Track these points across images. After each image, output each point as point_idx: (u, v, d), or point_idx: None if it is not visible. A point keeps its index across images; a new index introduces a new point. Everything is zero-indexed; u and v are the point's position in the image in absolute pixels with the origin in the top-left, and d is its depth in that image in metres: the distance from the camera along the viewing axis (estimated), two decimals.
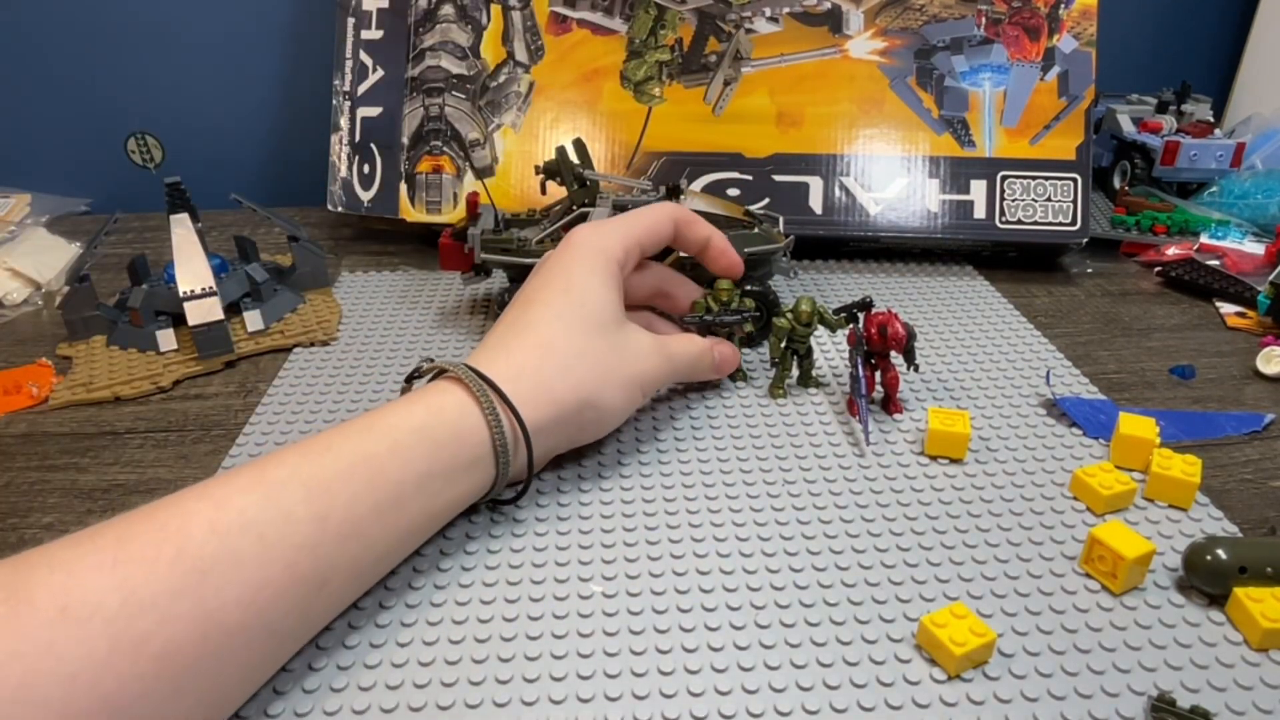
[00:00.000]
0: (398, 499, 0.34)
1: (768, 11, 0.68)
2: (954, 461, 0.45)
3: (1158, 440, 0.43)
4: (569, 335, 0.41)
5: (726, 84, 0.68)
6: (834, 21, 0.68)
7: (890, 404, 0.49)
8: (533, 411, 0.38)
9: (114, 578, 0.26)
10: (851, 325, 0.49)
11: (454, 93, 0.69)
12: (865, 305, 0.49)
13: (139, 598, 0.26)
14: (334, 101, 0.72)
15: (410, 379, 0.42)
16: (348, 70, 0.72)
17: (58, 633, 0.25)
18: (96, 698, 0.25)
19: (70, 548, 0.27)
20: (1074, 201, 0.66)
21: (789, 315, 0.49)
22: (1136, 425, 0.44)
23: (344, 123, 0.72)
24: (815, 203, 0.68)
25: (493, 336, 0.42)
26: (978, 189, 0.67)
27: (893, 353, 0.48)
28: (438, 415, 0.36)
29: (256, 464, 0.32)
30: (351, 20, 0.72)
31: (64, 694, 0.24)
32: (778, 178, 0.68)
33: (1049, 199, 0.67)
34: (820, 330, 0.57)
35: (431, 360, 0.40)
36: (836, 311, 0.49)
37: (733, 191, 0.67)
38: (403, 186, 0.70)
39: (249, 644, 0.29)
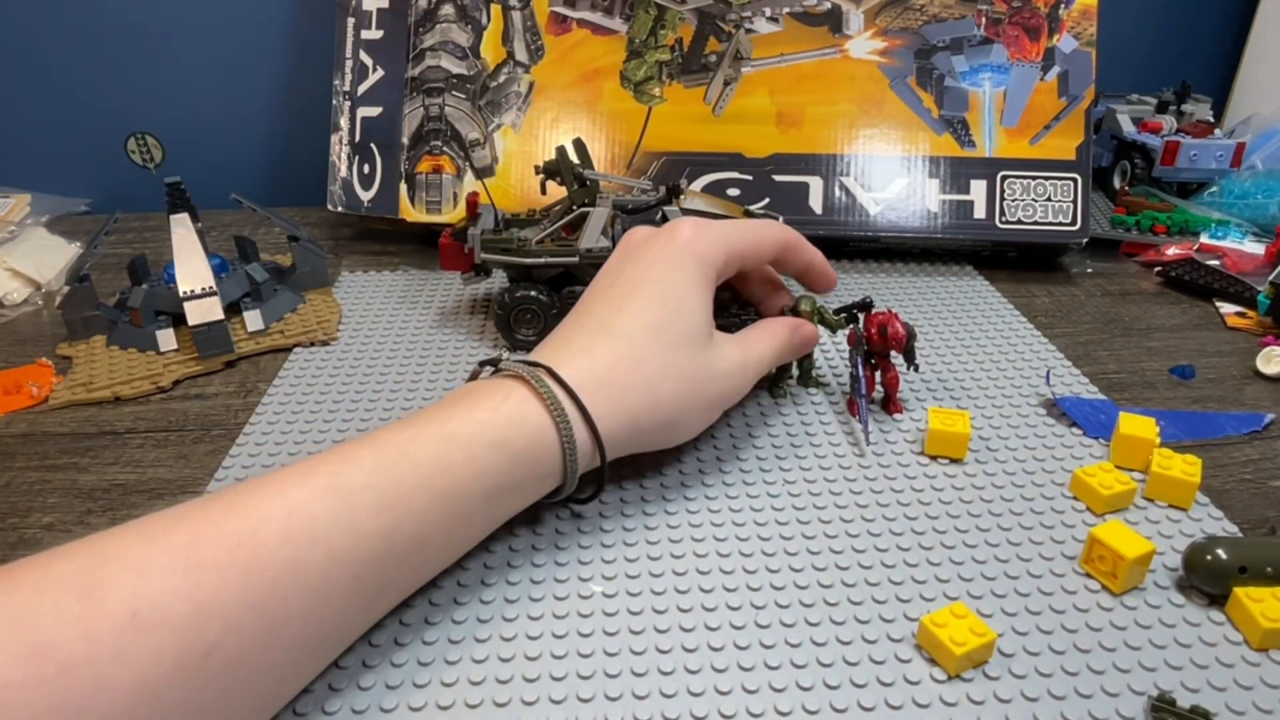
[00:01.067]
0: (466, 513, 0.34)
1: (768, 11, 0.68)
2: (954, 461, 0.45)
3: (1158, 440, 0.43)
4: (661, 353, 0.39)
5: (726, 84, 0.68)
6: (834, 21, 0.68)
7: (890, 404, 0.49)
8: (610, 426, 0.37)
9: (185, 583, 0.26)
10: (851, 325, 0.49)
11: (454, 93, 0.69)
12: (865, 305, 0.49)
13: (209, 608, 0.26)
14: (334, 101, 0.72)
15: (484, 364, 0.40)
16: (348, 70, 0.72)
17: (128, 639, 0.25)
18: (159, 707, 0.25)
19: (143, 542, 0.27)
20: (1074, 201, 0.66)
21: (788, 314, 0.49)
22: (1136, 425, 0.44)
23: (344, 123, 0.72)
24: (815, 203, 0.68)
25: (578, 332, 0.40)
26: (978, 189, 0.67)
27: (893, 353, 0.48)
28: (518, 429, 0.35)
29: (332, 465, 0.31)
30: (351, 20, 0.72)
31: (130, 703, 0.24)
32: (778, 178, 0.68)
33: (1049, 199, 0.67)
34: (821, 330, 0.57)
35: (510, 354, 0.39)
36: (836, 312, 0.49)
37: (733, 191, 0.67)
38: (403, 186, 0.70)
39: (305, 651, 0.29)
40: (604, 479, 0.38)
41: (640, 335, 0.39)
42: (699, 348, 0.40)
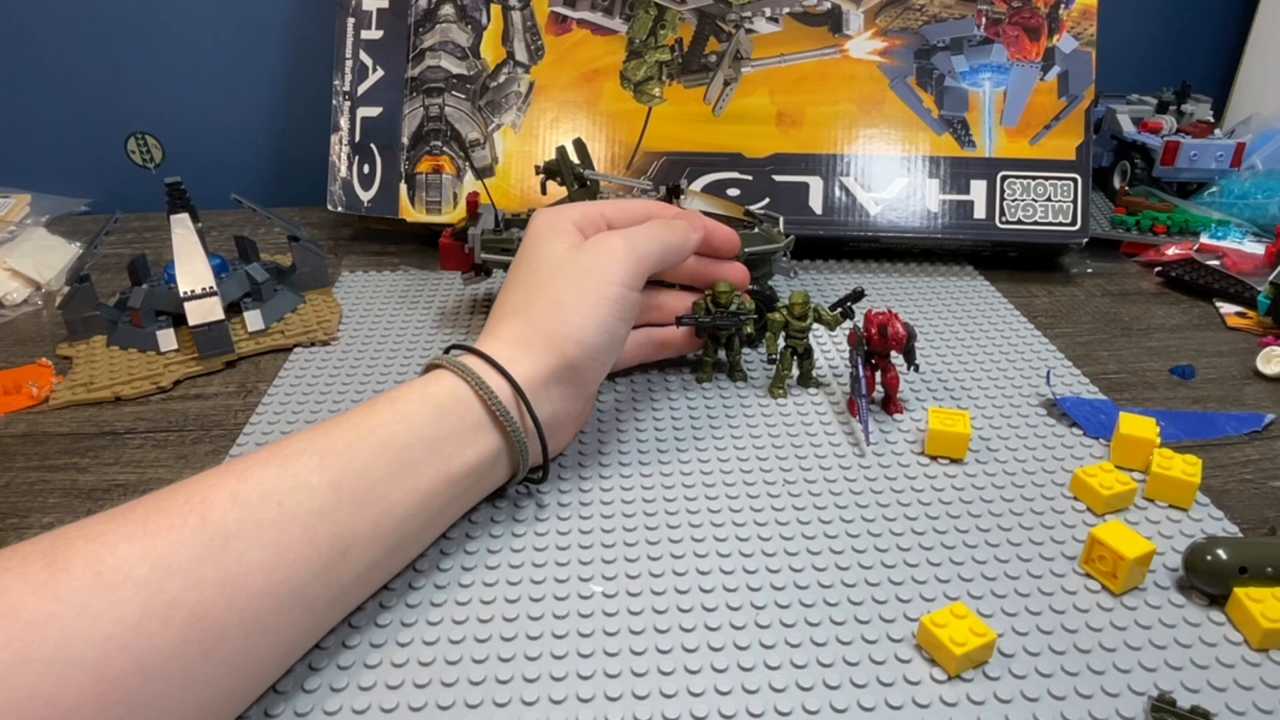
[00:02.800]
0: (409, 463, 0.35)
1: (768, 11, 0.68)
2: (954, 461, 0.45)
3: (1158, 440, 0.43)
4: (522, 286, 0.43)
5: (726, 84, 0.68)
6: (834, 21, 0.68)
7: (890, 404, 0.49)
8: (518, 366, 0.39)
9: (143, 546, 0.28)
10: (852, 326, 0.49)
11: (454, 93, 0.69)
12: (857, 296, 0.49)
13: (167, 564, 0.27)
14: (334, 101, 0.72)
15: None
16: (348, 70, 0.72)
17: (92, 596, 0.26)
18: (130, 659, 0.26)
19: (104, 521, 0.29)
20: (1074, 201, 0.66)
21: (783, 309, 0.49)
22: (1137, 425, 0.44)
23: (344, 123, 0.72)
24: (815, 203, 0.68)
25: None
26: (978, 189, 0.67)
27: (893, 353, 0.48)
28: (435, 384, 0.38)
29: (274, 443, 0.34)
30: (351, 20, 0.72)
31: (99, 655, 0.25)
32: (778, 178, 0.68)
33: (1049, 199, 0.67)
34: (819, 330, 0.57)
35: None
36: (832, 307, 0.49)
37: (733, 191, 0.67)
38: (403, 186, 0.70)
39: (276, 610, 0.30)
40: (540, 428, 0.39)
41: (511, 294, 0.43)
42: (565, 259, 0.43)
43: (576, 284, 0.41)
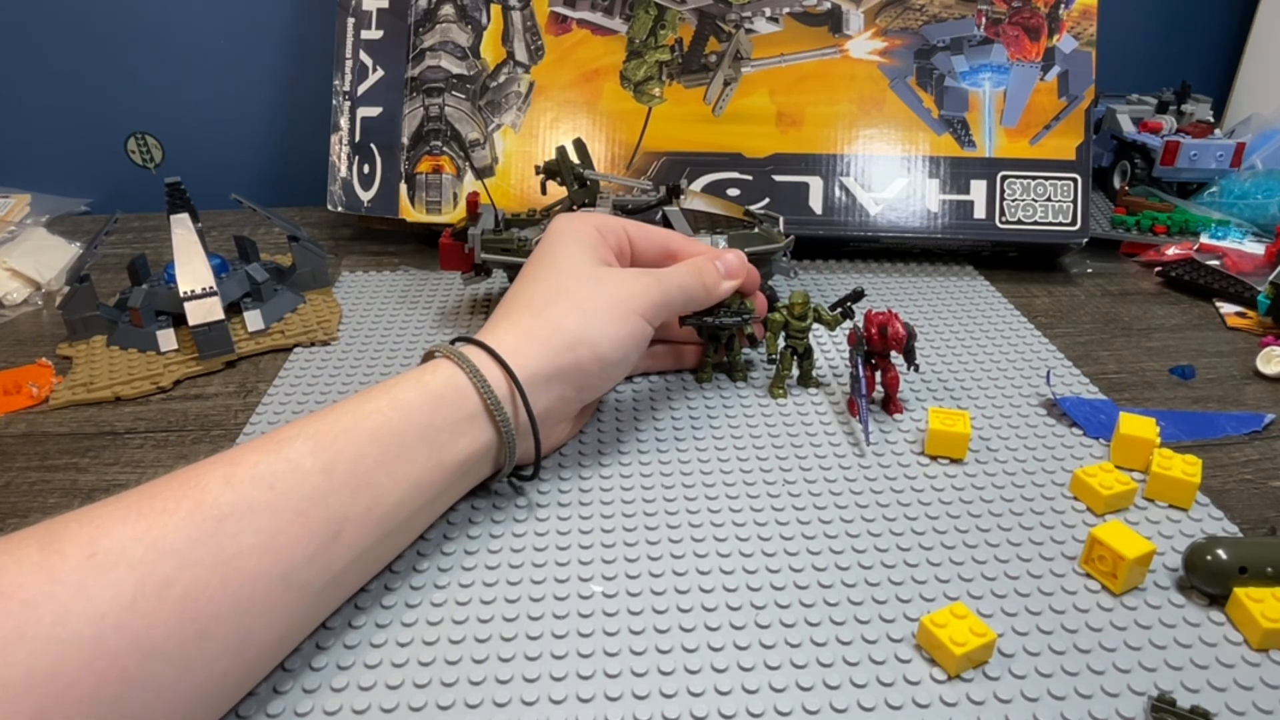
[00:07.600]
0: (402, 449, 0.35)
1: (768, 11, 0.68)
2: (954, 461, 0.45)
3: (1158, 440, 0.43)
4: (544, 286, 0.43)
5: (726, 84, 0.68)
6: (834, 21, 0.68)
7: (890, 404, 0.49)
8: (522, 359, 0.39)
9: (137, 528, 0.28)
10: (852, 326, 0.49)
11: (454, 93, 0.69)
12: (857, 296, 0.49)
13: (161, 545, 0.28)
14: (334, 101, 0.72)
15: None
16: (348, 70, 0.72)
17: (87, 576, 0.26)
18: (125, 638, 0.26)
19: (99, 507, 0.29)
20: (1074, 201, 0.66)
21: (783, 309, 0.49)
22: (1137, 425, 0.44)
23: (344, 123, 0.72)
24: (815, 203, 0.68)
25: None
26: (978, 189, 0.67)
27: (893, 353, 0.48)
28: (432, 373, 0.38)
29: (269, 432, 0.34)
30: (351, 20, 0.72)
31: (95, 632, 0.25)
32: (778, 178, 0.68)
33: (1049, 199, 0.67)
34: (819, 329, 0.57)
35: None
36: (832, 307, 0.49)
37: (733, 191, 0.67)
38: (403, 186, 0.70)
39: (269, 592, 0.30)
40: (535, 423, 0.39)
41: (525, 287, 0.43)
42: (584, 273, 0.43)
43: (603, 297, 0.42)
